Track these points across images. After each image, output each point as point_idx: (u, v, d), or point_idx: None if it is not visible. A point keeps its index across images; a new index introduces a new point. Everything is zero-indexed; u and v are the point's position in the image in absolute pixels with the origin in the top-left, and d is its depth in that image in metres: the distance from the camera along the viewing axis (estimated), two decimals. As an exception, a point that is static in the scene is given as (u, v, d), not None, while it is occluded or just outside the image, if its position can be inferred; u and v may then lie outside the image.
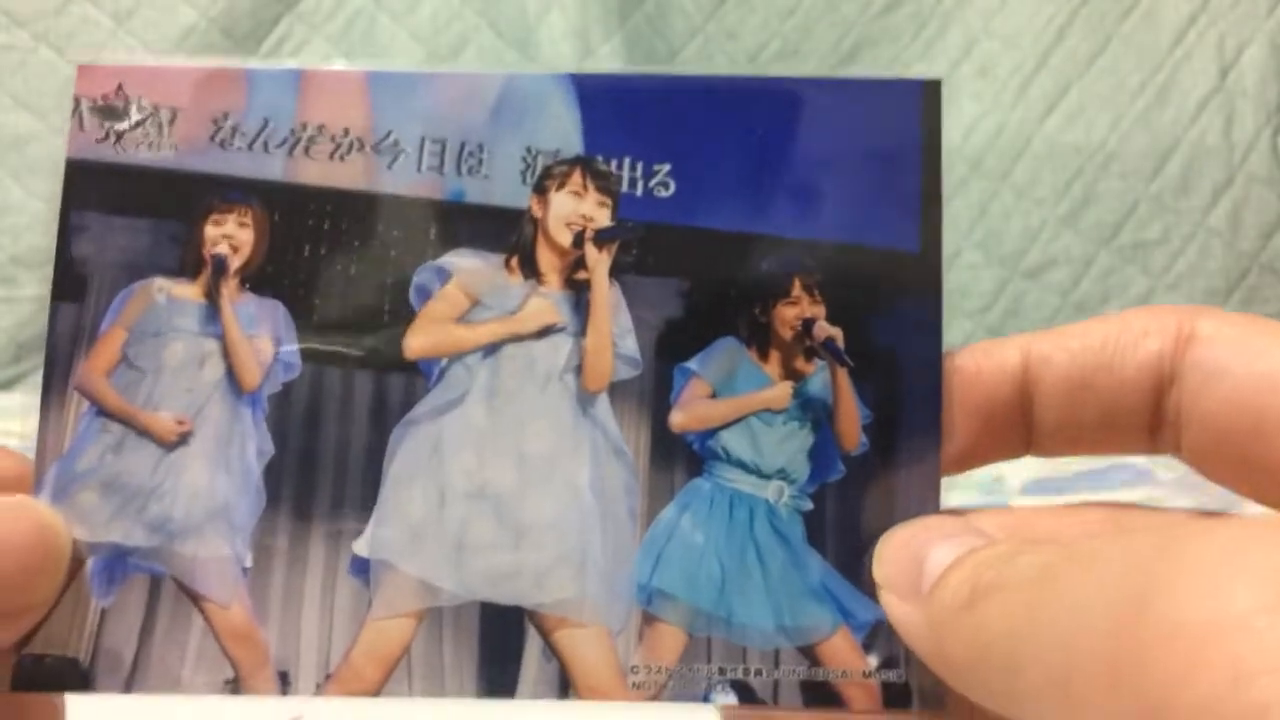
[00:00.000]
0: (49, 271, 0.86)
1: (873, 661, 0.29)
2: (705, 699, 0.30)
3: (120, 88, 0.32)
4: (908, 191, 0.31)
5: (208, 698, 0.30)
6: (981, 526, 0.27)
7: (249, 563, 0.30)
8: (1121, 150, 0.85)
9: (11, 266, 0.80)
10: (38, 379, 0.94)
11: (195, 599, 0.30)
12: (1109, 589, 0.19)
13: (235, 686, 0.30)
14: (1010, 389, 0.29)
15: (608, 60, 0.81)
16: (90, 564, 0.30)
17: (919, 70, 0.84)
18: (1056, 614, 0.20)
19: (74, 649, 0.29)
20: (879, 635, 0.29)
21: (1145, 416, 0.28)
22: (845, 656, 0.29)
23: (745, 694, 0.30)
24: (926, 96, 0.32)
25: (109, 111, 0.32)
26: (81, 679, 0.29)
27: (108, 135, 0.32)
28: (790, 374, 0.31)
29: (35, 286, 0.81)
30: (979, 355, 0.30)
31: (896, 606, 0.26)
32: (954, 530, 0.26)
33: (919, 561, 0.26)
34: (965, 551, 0.25)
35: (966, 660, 0.23)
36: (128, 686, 0.29)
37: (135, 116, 0.32)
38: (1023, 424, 0.30)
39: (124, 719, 0.30)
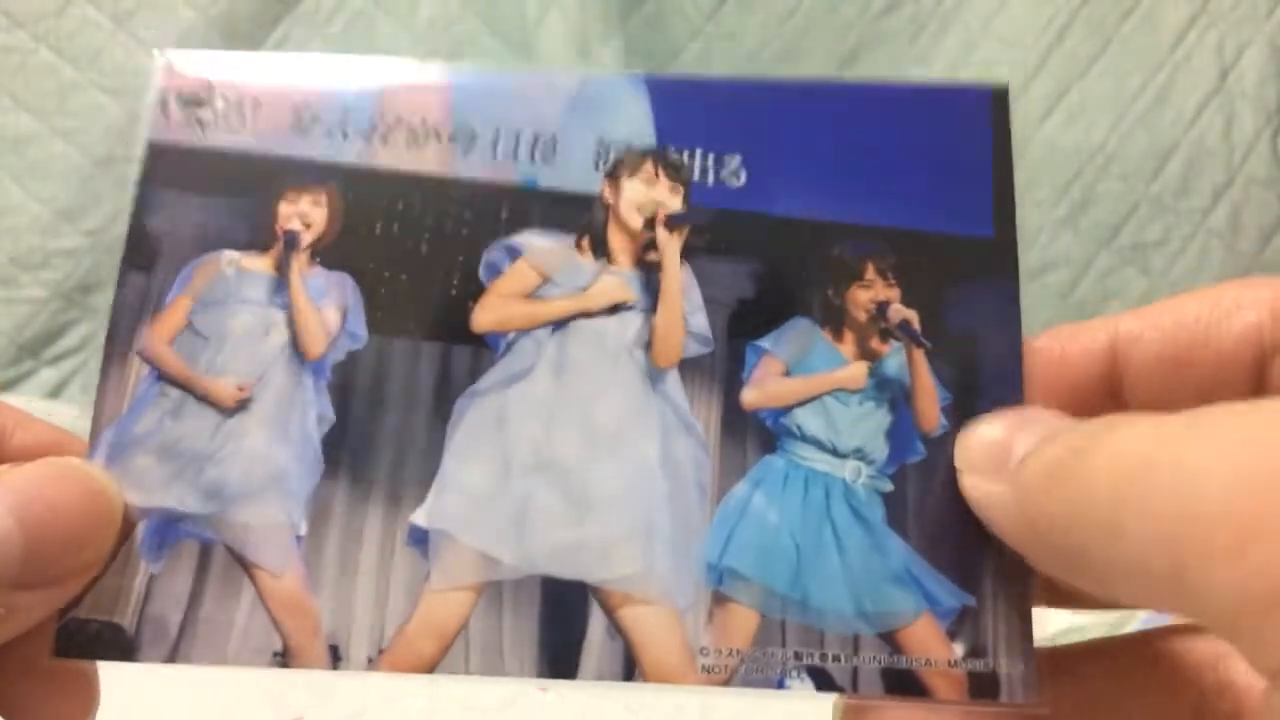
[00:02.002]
0: (47, 274, 0.83)
1: (958, 650, 0.27)
2: (780, 685, 0.28)
3: (205, 80, 0.33)
4: (980, 182, 0.31)
5: (253, 670, 0.28)
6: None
7: (304, 530, 0.29)
8: (1121, 151, 0.83)
9: (11, 267, 0.79)
10: (38, 380, 0.92)
11: (247, 567, 0.29)
12: (1237, 455, 0.18)
13: (284, 659, 0.28)
14: (1097, 371, 0.28)
15: (607, 62, 0.81)
16: (141, 528, 0.29)
17: (919, 72, 0.83)
18: (1170, 478, 0.19)
19: (120, 615, 0.28)
20: (965, 623, 0.28)
21: (1244, 391, 0.27)
22: (929, 644, 0.28)
23: (822, 681, 0.28)
24: (995, 102, 0.32)
25: (194, 100, 0.33)
26: (126, 647, 0.28)
27: (191, 122, 0.33)
28: (865, 355, 0.31)
29: (35, 288, 0.79)
30: (1062, 338, 0.29)
31: (979, 487, 0.26)
32: (1042, 416, 0.25)
33: (1006, 443, 0.25)
34: (1056, 429, 0.24)
35: (1057, 528, 0.22)
36: (172, 656, 0.28)
37: (219, 105, 0.33)
38: (1112, 407, 0.29)
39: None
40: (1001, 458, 0.25)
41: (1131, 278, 0.81)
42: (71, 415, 0.71)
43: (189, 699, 0.56)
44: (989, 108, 0.32)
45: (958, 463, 0.27)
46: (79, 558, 0.27)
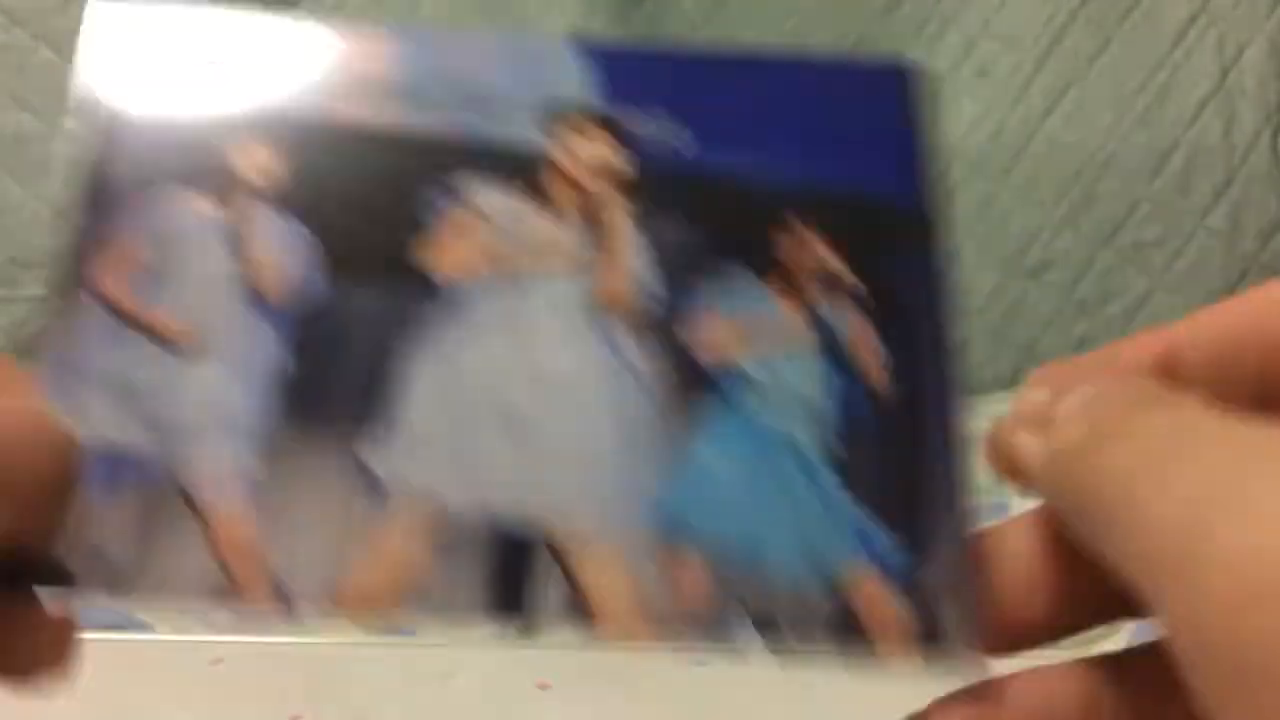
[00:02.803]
0: (47, 272, 0.80)
1: (906, 603, 0.28)
2: (729, 633, 0.28)
3: (151, 33, 0.33)
4: (904, 156, 0.32)
5: (200, 603, 0.28)
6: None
7: (255, 471, 0.29)
8: (1121, 150, 0.84)
9: (11, 267, 0.78)
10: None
11: (194, 505, 0.28)
12: (1184, 503, 0.20)
13: (228, 598, 0.28)
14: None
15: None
16: (86, 464, 0.28)
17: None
18: (1152, 500, 0.20)
19: (58, 549, 0.28)
20: (911, 577, 0.28)
21: None
22: (877, 597, 0.28)
23: (771, 632, 0.28)
24: (902, 80, 0.33)
25: (138, 52, 0.33)
26: (62, 576, 0.27)
27: (136, 71, 0.32)
28: (805, 311, 0.32)
29: (35, 286, 0.78)
30: (1108, 352, 0.28)
31: (1021, 439, 0.26)
32: (1084, 372, 0.25)
33: (1047, 402, 0.25)
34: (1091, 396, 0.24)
35: (1078, 507, 0.23)
36: (111, 589, 0.28)
37: (166, 59, 0.33)
38: None
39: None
40: (1045, 408, 0.25)
41: (1132, 276, 0.82)
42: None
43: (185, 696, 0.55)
44: (898, 86, 0.33)
45: (1010, 421, 0.27)
46: (21, 485, 0.27)
